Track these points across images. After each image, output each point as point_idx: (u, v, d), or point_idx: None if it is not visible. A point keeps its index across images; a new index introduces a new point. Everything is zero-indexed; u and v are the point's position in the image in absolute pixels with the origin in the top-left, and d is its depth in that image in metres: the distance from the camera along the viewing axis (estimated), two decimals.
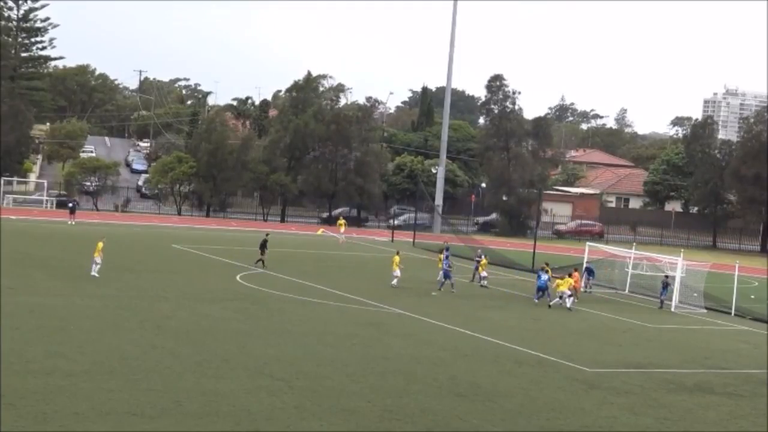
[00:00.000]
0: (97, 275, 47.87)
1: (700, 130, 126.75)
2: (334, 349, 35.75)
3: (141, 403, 25.82)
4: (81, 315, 38.61)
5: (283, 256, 61.14)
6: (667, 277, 57.15)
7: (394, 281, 54.11)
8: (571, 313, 50.43)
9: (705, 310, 55.84)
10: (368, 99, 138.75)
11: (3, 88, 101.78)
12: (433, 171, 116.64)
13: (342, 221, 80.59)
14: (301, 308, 45.17)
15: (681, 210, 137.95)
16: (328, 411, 26.83)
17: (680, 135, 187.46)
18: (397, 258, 54.64)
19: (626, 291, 61.66)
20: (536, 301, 52.53)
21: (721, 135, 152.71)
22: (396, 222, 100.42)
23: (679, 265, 58.10)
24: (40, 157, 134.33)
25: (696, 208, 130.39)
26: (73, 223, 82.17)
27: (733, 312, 56.05)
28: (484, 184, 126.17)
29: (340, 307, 46.19)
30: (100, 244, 48.89)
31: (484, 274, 58.77)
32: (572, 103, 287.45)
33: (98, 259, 48.53)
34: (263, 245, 57.72)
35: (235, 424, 24.79)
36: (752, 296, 65.08)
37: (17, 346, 31.46)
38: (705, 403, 32.04)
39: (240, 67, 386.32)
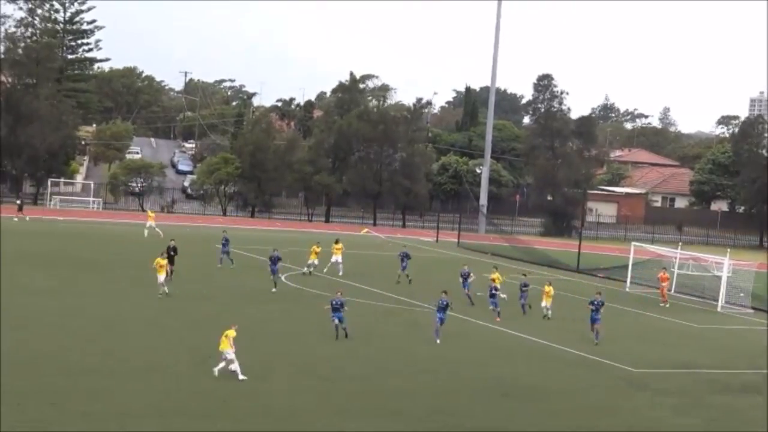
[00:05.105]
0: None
1: (750, 128, 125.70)
2: (378, 350, 35.83)
3: (185, 403, 26.07)
4: (131, 316, 38.91)
5: (329, 256, 61.20)
6: (525, 275, 50.15)
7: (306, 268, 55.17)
8: (616, 313, 49.99)
9: (751, 310, 55.31)
10: (418, 100, 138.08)
11: (48, 90, 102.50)
12: (478, 171, 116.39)
13: (151, 213, 79.88)
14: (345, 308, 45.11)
15: (727, 209, 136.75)
16: (374, 411, 26.91)
17: (726, 134, 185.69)
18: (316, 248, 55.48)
19: (672, 291, 61.21)
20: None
21: None
22: None
23: (725, 264, 57.58)
24: (86, 158, 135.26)
25: (743, 208, 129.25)
26: (27, 219, 77.27)
27: None
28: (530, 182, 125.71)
29: (385, 307, 46.21)
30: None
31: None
32: (613, 103, 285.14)
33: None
34: (172, 252, 49.90)
35: (280, 423, 24.90)
36: None
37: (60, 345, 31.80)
38: (753, 404, 31.81)
39: (285, 69, 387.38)
